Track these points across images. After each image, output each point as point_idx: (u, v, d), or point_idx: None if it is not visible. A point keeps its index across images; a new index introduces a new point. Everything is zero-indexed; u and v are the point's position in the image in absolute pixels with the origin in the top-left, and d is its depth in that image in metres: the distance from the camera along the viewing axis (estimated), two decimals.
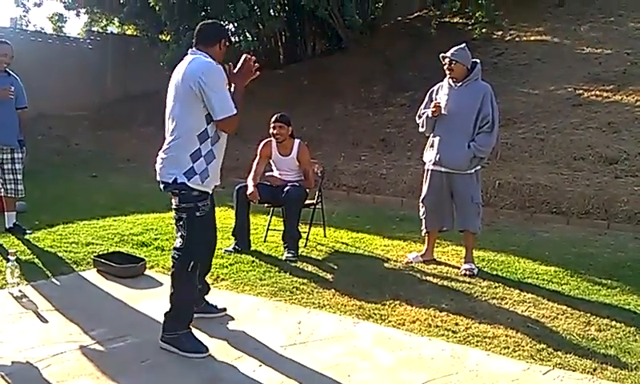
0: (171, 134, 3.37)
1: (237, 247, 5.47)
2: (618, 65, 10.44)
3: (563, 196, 7.45)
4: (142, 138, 13.28)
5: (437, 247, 5.51)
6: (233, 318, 3.90)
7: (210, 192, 3.49)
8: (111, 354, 3.34)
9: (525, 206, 7.57)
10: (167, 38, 13.78)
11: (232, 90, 3.38)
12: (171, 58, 13.13)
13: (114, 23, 18.59)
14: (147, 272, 4.82)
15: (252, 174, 5.68)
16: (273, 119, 5.65)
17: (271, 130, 5.66)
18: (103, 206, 7.19)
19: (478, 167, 5.05)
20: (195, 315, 3.58)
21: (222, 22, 3.48)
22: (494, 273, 5.01)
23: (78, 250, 5.29)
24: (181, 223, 3.38)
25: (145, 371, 3.15)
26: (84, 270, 4.83)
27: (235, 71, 3.44)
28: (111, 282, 4.56)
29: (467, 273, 4.92)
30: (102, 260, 4.81)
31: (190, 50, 3.44)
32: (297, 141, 5.69)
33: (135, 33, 17.38)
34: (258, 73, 3.45)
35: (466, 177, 4.99)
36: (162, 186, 3.43)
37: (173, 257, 3.41)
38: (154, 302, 4.15)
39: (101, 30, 18.42)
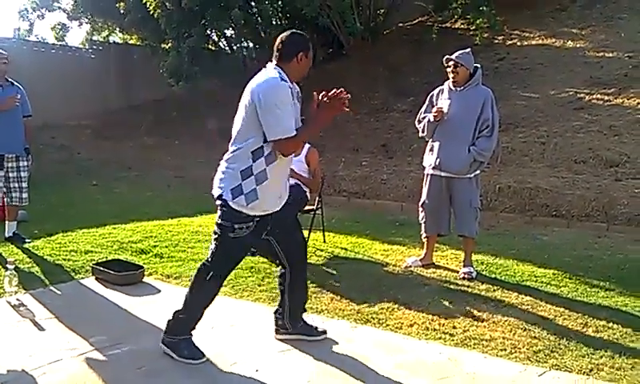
0: (230, 146, 3.28)
1: None
2: (619, 68, 10.43)
3: (563, 199, 7.44)
4: (145, 147, 13.37)
5: (436, 251, 5.50)
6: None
7: (258, 215, 3.25)
8: (108, 361, 3.34)
9: (525, 209, 7.56)
10: (168, 46, 13.86)
11: (310, 117, 3.28)
12: (171, 65, 13.24)
13: (115, 33, 18.71)
14: (146, 279, 4.83)
15: None
16: None
17: None
18: (103, 215, 7.21)
19: (478, 171, 5.04)
20: (292, 337, 3.60)
21: (302, 33, 3.36)
22: (493, 276, 5.01)
23: (77, 258, 5.31)
24: (214, 237, 3.30)
25: (142, 378, 3.15)
26: (83, 277, 4.84)
27: (324, 101, 3.23)
28: (109, 289, 4.57)
29: (465, 276, 4.91)
30: (101, 268, 4.82)
31: (269, 62, 3.31)
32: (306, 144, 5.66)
33: (137, 42, 17.49)
34: (347, 109, 3.26)
35: (466, 181, 4.99)
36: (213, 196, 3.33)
37: (200, 265, 3.39)
38: (152, 309, 4.16)
39: (103, 40, 18.54)
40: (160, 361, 3.33)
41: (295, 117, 3.18)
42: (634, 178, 7.69)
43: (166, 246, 5.83)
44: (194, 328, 3.42)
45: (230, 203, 3.17)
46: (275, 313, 3.70)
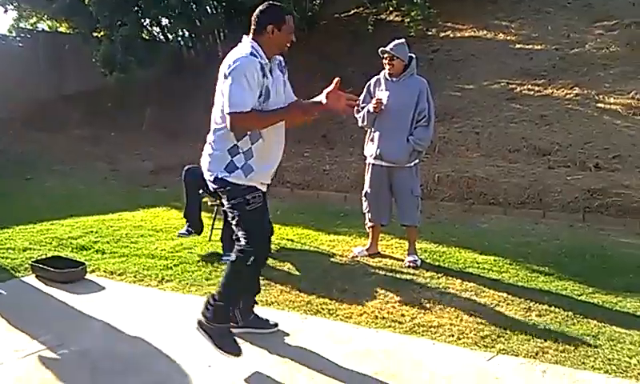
0: (212, 125, 3.23)
1: (189, 229, 5.38)
2: (547, 60, 10.84)
3: (500, 187, 7.69)
4: (78, 139, 12.95)
5: (381, 241, 5.59)
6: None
7: (259, 187, 3.21)
8: (55, 361, 3.24)
9: (463, 198, 7.78)
10: (100, 35, 13.43)
11: (312, 100, 3.20)
12: (104, 54, 12.84)
13: (44, 20, 17.96)
14: (88, 276, 4.70)
15: None
16: None
17: None
18: (39, 210, 6.95)
19: (417, 160, 5.15)
20: (243, 330, 3.51)
21: (276, 3, 3.22)
22: (437, 264, 5.13)
23: (15, 256, 5.10)
24: (235, 221, 3.21)
25: (89, 377, 3.08)
26: (22, 276, 4.66)
27: (332, 93, 3.11)
28: (51, 287, 4.41)
29: (411, 265, 5.02)
30: (41, 265, 4.65)
31: (244, 35, 3.23)
32: None
33: (67, 30, 16.86)
34: (346, 111, 3.22)
35: (406, 170, 5.09)
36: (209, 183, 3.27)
37: (236, 251, 3.21)
38: (96, 306, 4.06)
39: (30, 27, 17.76)
40: (108, 359, 3.26)
41: (272, 93, 3.10)
42: (565, 165, 8.03)
43: (108, 242, 5.69)
44: (231, 319, 3.34)
45: (230, 179, 3.13)
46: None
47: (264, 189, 3.26)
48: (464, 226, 6.75)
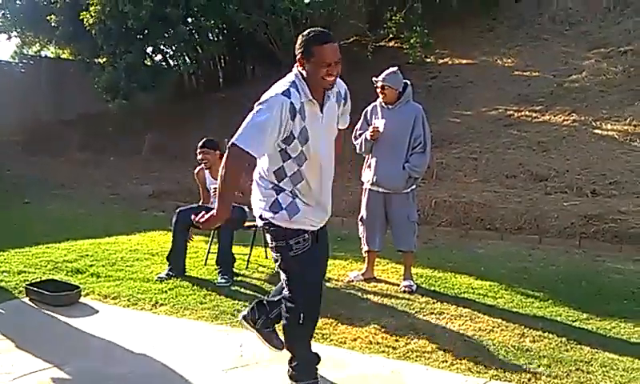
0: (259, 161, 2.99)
1: (170, 273, 5.31)
2: (545, 86, 10.93)
3: (497, 213, 7.70)
4: (78, 163, 13.02)
5: (377, 265, 5.59)
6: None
7: (307, 229, 2.91)
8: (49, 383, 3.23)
9: (460, 223, 7.78)
10: (103, 61, 13.56)
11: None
12: (107, 81, 12.97)
13: (47, 47, 18.18)
14: (82, 299, 4.69)
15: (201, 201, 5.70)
16: (199, 145, 5.58)
17: (198, 157, 5.60)
18: (36, 233, 6.96)
19: (414, 186, 5.17)
20: (254, 332, 3.36)
21: (314, 30, 2.85)
22: (432, 289, 5.12)
23: (10, 279, 5.10)
24: (277, 265, 2.98)
25: None
26: (16, 298, 4.66)
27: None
28: (45, 310, 4.41)
29: (406, 290, 5.01)
30: (35, 288, 4.65)
31: None
32: None
33: (70, 56, 17.05)
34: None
35: (402, 196, 5.11)
36: None
37: (283, 308, 3.00)
38: (90, 330, 4.05)
39: (34, 54, 17.98)
40: (100, 382, 3.25)
41: (310, 134, 2.80)
42: (562, 191, 8.05)
43: (103, 265, 5.69)
44: (316, 370, 3.13)
45: (274, 221, 2.88)
46: (257, 303, 3.37)
47: (316, 228, 2.96)
48: (461, 251, 6.75)
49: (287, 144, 2.77)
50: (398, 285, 5.14)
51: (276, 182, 2.88)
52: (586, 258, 6.38)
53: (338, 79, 2.86)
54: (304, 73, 2.77)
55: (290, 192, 2.88)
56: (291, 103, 2.71)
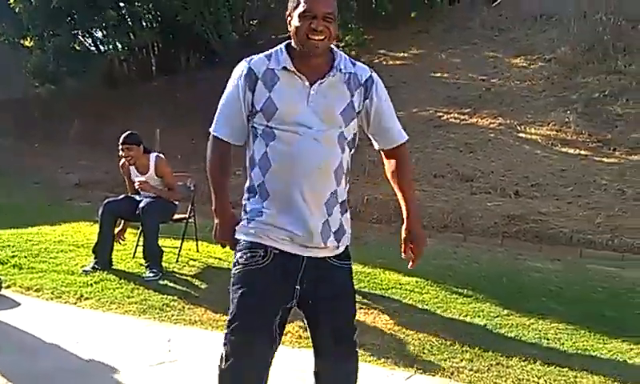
0: None
1: (96, 266, 5.17)
2: (474, 90, 11.27)
3: (425, 211, 7.89)
4: (2, 149, 12.46)
5: None
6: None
7: (271, 245, 2.15)
8: None
9: (391, 220, 7.92)
10: (30, 44, 13.02)
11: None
12: (36, 65, 12.47)
13: None
14: (3, 292, 4.53)
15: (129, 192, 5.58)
16: (120, 141, 5.36)
17: (120, 153, 5.40)
18: None
19: None
20: None
21: None
22: (362, 285, 5.21)
23: None
24: None
25: None
26: None
27: None
28: None
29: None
30: None
31: None
32: (153, 155, 5.42)
33: None
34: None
35: None
36: None
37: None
38: (11, 323, 3.91)
39: None
40: (20, 378, 3.15)
41: (280, 107, 2.11)
42: (487, 192, 8.34)
43: (26, 257, 5.49)
44: None
45: (236, 234, 2.25)
46: None
47: (282, 246, 2.15)
48: (390, 248, 6.86)
49: (253, 118, 2.18)
50: None
51: (250, 179, 2.23)
52: (508, 257, 6.65)
53: (363, 66, 2.27)
54: (293, 39, 2.16)
55: (259, 190, 2.17)
56: (249, 69, 2.16)
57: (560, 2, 12.29)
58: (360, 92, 2.22)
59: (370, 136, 2.37)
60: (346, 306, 2.32)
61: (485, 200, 8.08)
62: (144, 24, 14.20)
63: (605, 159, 8.75)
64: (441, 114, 10.70)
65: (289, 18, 2.18)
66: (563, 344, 4.01)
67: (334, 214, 2.19)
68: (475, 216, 7.66)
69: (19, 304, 4.33)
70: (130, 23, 13.41)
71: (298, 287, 2.17)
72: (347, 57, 2.25)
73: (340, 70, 2.17)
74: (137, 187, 5.41)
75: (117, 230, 5.49)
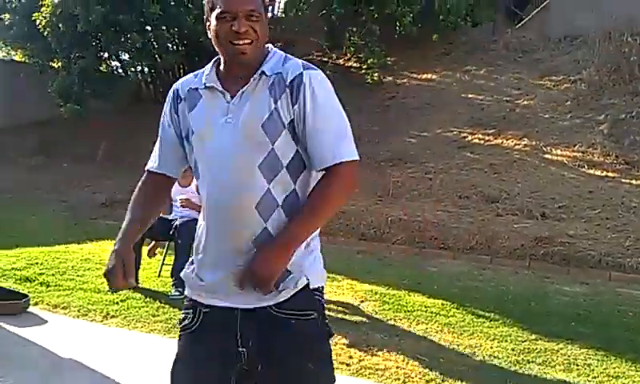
0: None
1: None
2: (498, 111, 11.21)
3: (450, 232, 7.84)
4: (29, 169, 12.70)
5: (331, 281, 5.61)
6: None
7: (197, 300, 1.84)
8: None
9: (414, 241, 7.88)
10: (57, 66, 13.29)
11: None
12: (61, 86, 12.71)
13: (0, 48, 17.73)
14: (31, 309, 4.57)
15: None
16: None
17: None
18: None
19: None
20: None
21: None
22: (386, 307, 5.17)
23: None
24: None
25: None
26: None
27: None
28: None
29: None
30: None
31: None
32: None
33: (24, 59, 16.66)
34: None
35: None
36: None
37: None
38: (38, 340, 3.94)
39: None
40: None
41: (196, 132, 1.78)
42: (512, 213, 8.25)
43: (53, 274, 5.55)
44: None
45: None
46: None
47: (205, 300, 1.81)
48: (414, 269, 6.84)
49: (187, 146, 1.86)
50: (353, 304, 5.17)
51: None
52: (535, 280, 6.55)
53: (296, 62, 1.79)
54: (215, 47, 1.78)
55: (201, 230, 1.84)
56: (175, 91, 1.89)
57: (584, 24, 12.21)
58: (286, 96, 1.72)
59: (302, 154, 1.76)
60: (297, 378, 1.75)
61: (511, 222, 7.99)
62: (169, 47, 14.41)
63: (633, 181, 8.61)
64: (465, 134, 10.65)
65: (207, 24, 1.77)
66: (593, 370, 3.92)
67: None
68: (501, 238, 7.57)
69: (46, 321, 4.37)
70: (155, 46, 13.61)
71: (242, 349, 1.73)
72: (284, 55, 1.81)
73: (264, 73, 1.74)
74: (180, 205, 5.42)
75: (148, 247, 5.57)
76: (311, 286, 1.75)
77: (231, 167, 1.71)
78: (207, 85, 1.78)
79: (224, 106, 1.74)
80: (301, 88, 1.71)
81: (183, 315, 1.86)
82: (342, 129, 1.76)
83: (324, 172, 1.73)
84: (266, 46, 1.80)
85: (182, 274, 1.91)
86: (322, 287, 1.82)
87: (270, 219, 1.71)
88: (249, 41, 1.71)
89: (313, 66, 1.78)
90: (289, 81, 1.72)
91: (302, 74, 1.73)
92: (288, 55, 1.80)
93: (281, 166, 1.72)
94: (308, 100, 1.71)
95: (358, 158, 1.76)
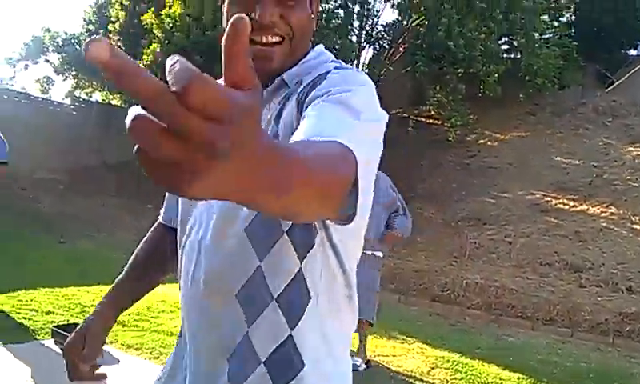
0: None
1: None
2: (584, 176, 10.83)
3: (529, 301, 7.54)
4: (115, 207, 13.25)
5: (401, 343, 5.48)
6: None
7: None
8: None
9: (491, 307, 7.63)
10: (119, 103, 13.99)
11: None
12: None
13: (99, 91, 18.85)
14: (105, 347, 4.66)
15: None
16: None
17: None
18: (68, 274, 7.04)
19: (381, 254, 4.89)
20: None
21: None
22: (458, 376, 4.99)
23: (37, 319, 5.14)
24: None
25: None
26: (42, 339, 4.68)
27: None
28: None
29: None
30: (61, 331, 4.66)
31: None
32: None
33: (119, 103, 17.63)
34: None
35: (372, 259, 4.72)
36: None
37: None
38: (109, 380, 4.03)
39: (86, 97, 18.63)
40: None
41: None
42: (597, 285, 7.86)
43: (129, 314, 5.68)
44: None
45: None
46: None
47: None
48: (490, 337, 6.59)
49: None
50: (422, 369, 5.02)
51: None
52: (620, 358, 6.17)
53: (326, 64, 1.13)
54: None
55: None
56: None
57: None
58: (292, 112, 1.05)
59: None
60: None
61: (595, 294, 7.61)
62: None
63: None
64: (549, 198, 10.32)
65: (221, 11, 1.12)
66: None
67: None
68: (584, 310, 7.21)
69: (118, 361, 4.46)
70: None
71: None
72: (331, 58, 1.17)
73: (284, 81, 1.10)
74: None
75: None
76: None
77: (213, 237, 1.11)
78: None
79: None
80: (313, 90, 1.02)
81: None
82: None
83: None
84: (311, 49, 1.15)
85: (162, 373, 1.34)
86: None
87: (255, 321, 1.07)
88: (278, 38, 1.06)
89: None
90: (308, 88, 1.04)
91: (325, 74, 1.06)
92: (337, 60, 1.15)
93: (285, 231, 1.04)
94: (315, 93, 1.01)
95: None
